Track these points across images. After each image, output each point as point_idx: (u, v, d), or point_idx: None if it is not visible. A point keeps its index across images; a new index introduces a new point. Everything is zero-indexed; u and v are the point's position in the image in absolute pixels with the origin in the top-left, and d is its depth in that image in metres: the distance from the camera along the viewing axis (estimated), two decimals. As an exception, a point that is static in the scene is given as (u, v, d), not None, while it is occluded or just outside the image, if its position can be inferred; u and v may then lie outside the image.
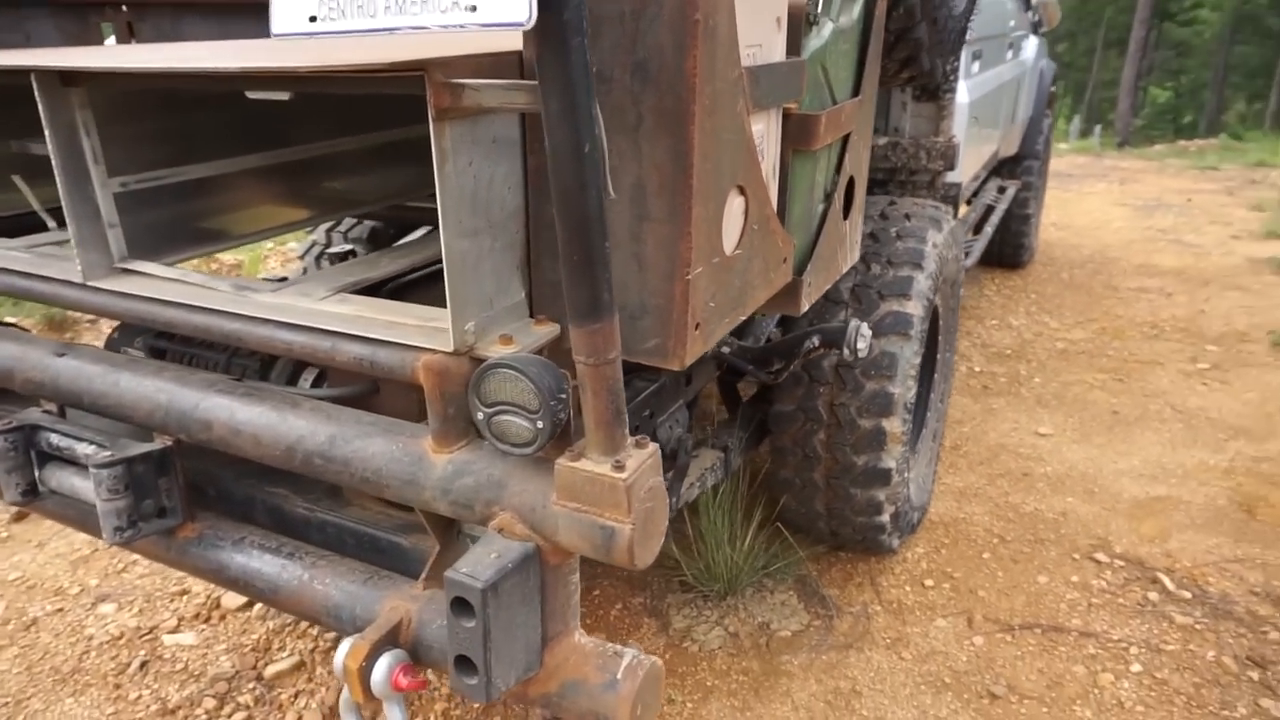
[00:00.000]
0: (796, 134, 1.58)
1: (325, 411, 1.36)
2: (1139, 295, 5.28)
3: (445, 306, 1.21)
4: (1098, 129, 22.45)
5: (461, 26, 0.87)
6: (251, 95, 1.38)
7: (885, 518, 2.51)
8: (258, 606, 2.64)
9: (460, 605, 1.12)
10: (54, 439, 1.60)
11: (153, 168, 1.62)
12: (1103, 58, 34.56)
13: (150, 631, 2.55)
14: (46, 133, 1.45)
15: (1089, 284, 5.56)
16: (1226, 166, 11.00)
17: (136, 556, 2.93)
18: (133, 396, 1.51)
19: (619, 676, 1.21)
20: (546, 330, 1.30)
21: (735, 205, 1.33)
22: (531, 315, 1.34)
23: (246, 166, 1.78)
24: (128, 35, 2.35)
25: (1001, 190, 5.09)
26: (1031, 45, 5.25)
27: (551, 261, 1.30)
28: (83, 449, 1.56)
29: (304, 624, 2.55)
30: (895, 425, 2.38)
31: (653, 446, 1.15)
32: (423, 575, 1.41)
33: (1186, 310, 4.97)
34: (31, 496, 1.65)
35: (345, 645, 1.30)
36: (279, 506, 1.65)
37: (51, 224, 1.96)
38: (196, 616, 2.61)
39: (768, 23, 1.42)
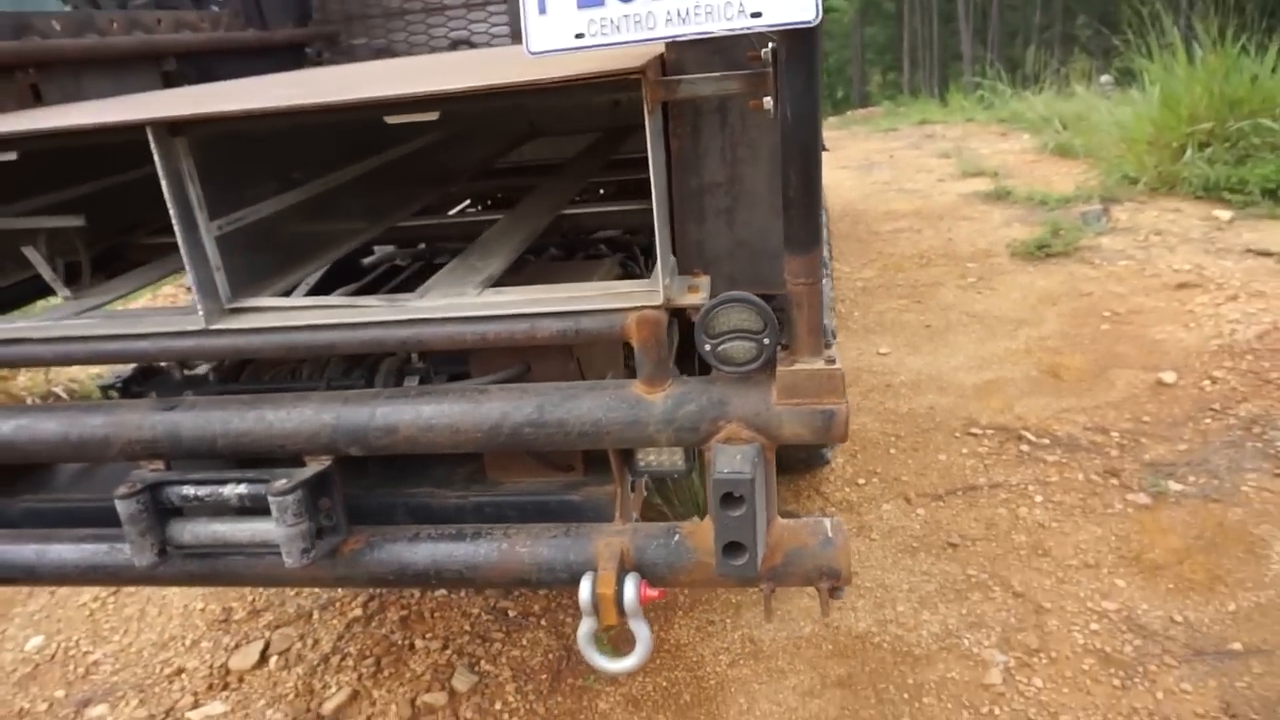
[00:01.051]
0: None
1: (517, 389, 1.53)
2: (897, 235, 6.28)
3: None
4: (778, 111, 25.19)
5: (748, 29, 1.15)
6: (392, 121, 1.49)
7: (827, 433, 2.98)
8: (274, 659, 2.58)
9: (729, 499, 1.38)
10: (187, 490, 1.59)
11: (235, 208, 1.66)
12: (763, 48, 38.82)
13: (168, 714, 2.41)
14: (164, 184, 1.47)
15: (854, 232, 6.50)
16: (901, 126, 12.96)
17: (97, 657, 2.72)
18: (288, 426, 1.56)
19: (830, 535, 1.53)
20: (706, 280, 1.57)
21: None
22: (681, 273, 1.60)
23: (308, 195, 1.84)
24: (33, 98, 2.22)
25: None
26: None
27: (696, 225, 1.58)
28: (232, 490, 1.58)
29: (337, 658, 2.54)
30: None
31: (834, 343, 1.48)
32: (618, 513, 1.63)
33: (937, 240, 6.01)
34: (162, 558, 1.62)
35: (587, 581, 1.49)
36: (424, 504, 1.75)
37: (65, 293, 1.86)
38: (210, 688, 2.50)
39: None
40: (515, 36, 3.62)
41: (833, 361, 1.41)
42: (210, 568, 1.68)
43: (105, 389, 2.16)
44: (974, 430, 3.42)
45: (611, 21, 1.19)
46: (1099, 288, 4.73)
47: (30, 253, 1.83)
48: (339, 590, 2.84)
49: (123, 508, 1.56)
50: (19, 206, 2.05)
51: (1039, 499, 2.93)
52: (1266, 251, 4.88)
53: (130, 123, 1.42)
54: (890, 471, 3.23)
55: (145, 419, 1.61)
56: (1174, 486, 2.87)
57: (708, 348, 1.42)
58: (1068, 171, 7.56)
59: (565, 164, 2.86)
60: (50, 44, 2.21)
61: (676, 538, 1.55)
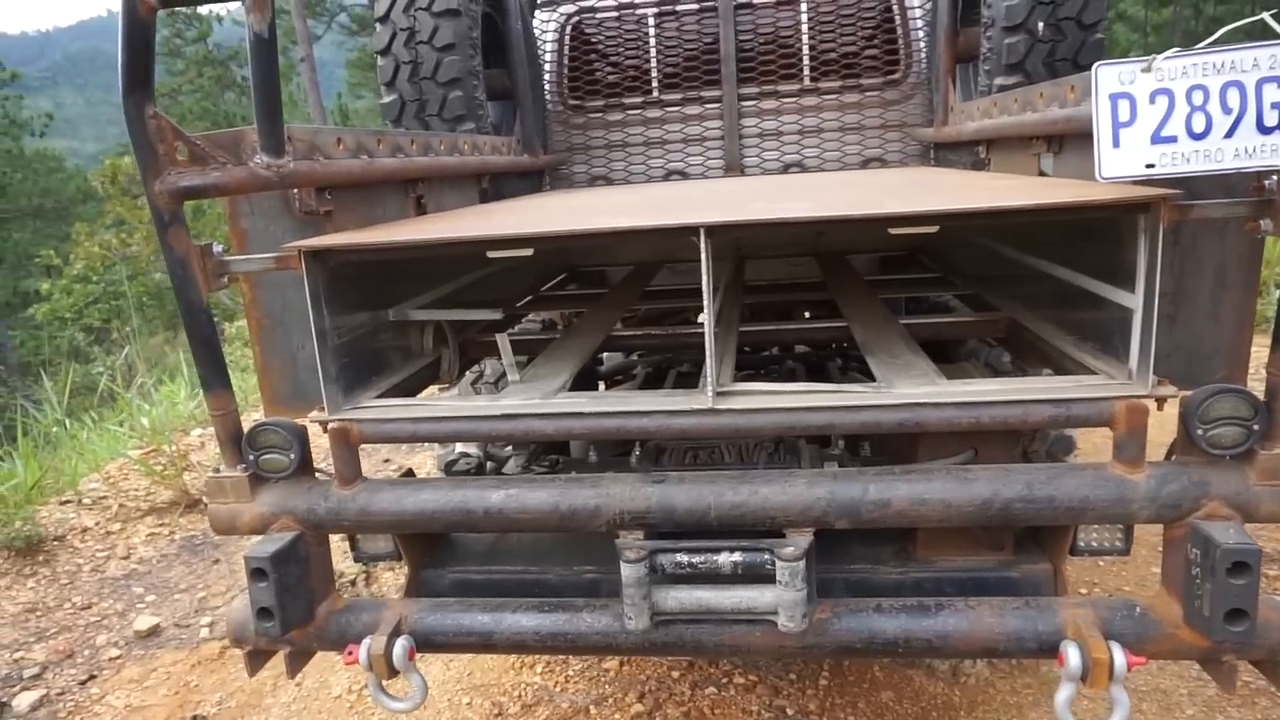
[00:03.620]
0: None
1: (1001, 470, 1.70)
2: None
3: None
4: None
5: (1304, 165, 1.40)
6: (895, 232, 1.73)
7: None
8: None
9: (1238, 567, 1.53)
10: (681, 558, 1.73)
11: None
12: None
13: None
14: (705, 279, 1.68)
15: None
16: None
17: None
18: (782, 500, 1.72)
19: (1291, 610, 1.67)
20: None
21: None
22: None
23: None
24: (416, 208, 2.48)
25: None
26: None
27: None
28: (727, 557, 1.72)
29: (643, 752, 2.58)
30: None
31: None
32: (1064, 590, 1.79)
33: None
34: (653, 623, 1.74)
35: (1075, 649, 1.62)
36: (865, 580, 1.89)
37: (516, 377, 2.04)
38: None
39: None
40: (728, 169, 3.98)
41: (1311, 448, 1.60)
42: (676, 636, 1.79)
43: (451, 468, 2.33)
44: (1178, 544, 3.56)
45: (1183, 155, 1.45)
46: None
47: (501, 340, 2.03)
48: (794, 660, 2.82)
49: (629, 572, 1.70)
50: (408, 304, 2.27)
51: (1278, 608, 3.04)
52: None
53: (689, 225, 1.65)
54: (1109, 583, 3.35)
55: (639, 491, 1.76)
56: None
57: (1200, 432, 1.61)
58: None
59: (826, 283, 3.12)
60: (438, 161, 2.49)
61: (1138, 610, 1.69)
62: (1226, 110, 1.43)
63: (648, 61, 4.01)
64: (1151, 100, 1.46)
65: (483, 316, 2.21)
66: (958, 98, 3.28)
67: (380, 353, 2.16)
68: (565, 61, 4.04)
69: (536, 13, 4.02)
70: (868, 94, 3.84)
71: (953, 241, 3.09)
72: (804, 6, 3.84)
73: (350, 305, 1.99)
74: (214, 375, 1.84)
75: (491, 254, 1.85)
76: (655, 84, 4.01)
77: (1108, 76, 1.48)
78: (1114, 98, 1.48)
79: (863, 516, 1.70)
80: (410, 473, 2.10)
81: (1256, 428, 1.60)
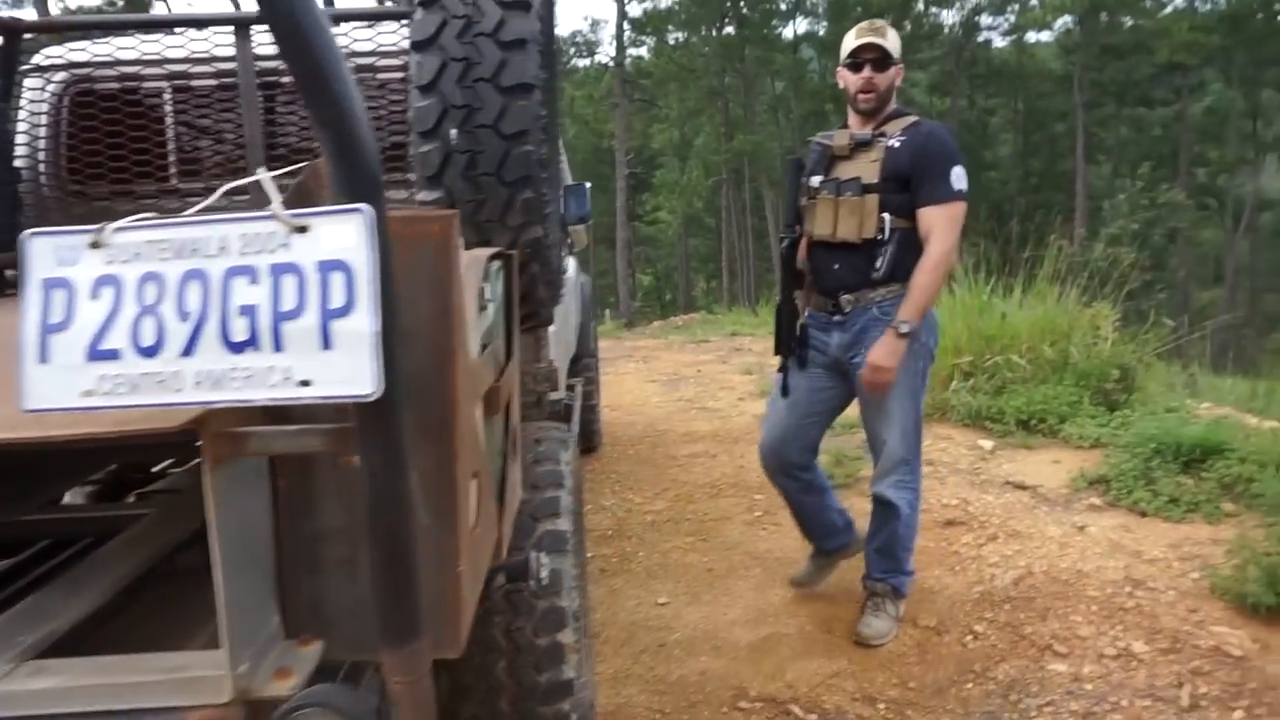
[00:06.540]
0: (489, 407, 1.77)
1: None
2: (692, 460, 6.26)
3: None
4: (606, 313, 26.20)
5: (297, 399, 0.93)
6: None
7: (573, 727, 2.64)
8: None
9: None
10: None
11: None
12: (595, 253, 41.28)
13: None
14: None
15: (652, 457, 6.44)
16: (713, 338, 13.56)
17: None
18: None
19: None
20: (314, 649, 1.26)
21: (473, 491, 1.46)
22: (288, 637, 1.29)
23: None
24: None
25: (571, 388, 5.76)
26: (571, 264, 6.16)
27: (310, 577, 1.29)
28: None
29: None
30: (569, 637, 2.56)
31: None
32: None
33: (730, 467, 6.01)
34: None
35: None
36: None
37: None
38: None
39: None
40: None
41: (449, 773, 1.12)
42: None
43: None
44: (742, 704, 3.17)
45: (128, 380, 0.94)
46: (876, 525, 4.76)
47: None
48: None
49: None
50: None
51: (802, 795, 2.67)
52: (1023, 485, 5.15)
53: None
54: None
55: None
56: (936, 776, 2.70)
57: (281, 757, 1.10)
58: (855, 394, 7.96)
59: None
60: None
61: None
62: (184, 315, 0.94)
63: (164, 144, 3.38)
64: (95, 293, 0.96)
65: None
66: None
67: None
68: (62, 140, 3.35)
69: (27, 80, 3.34)
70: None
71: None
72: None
73: None
74: None
75: None
76: (173, 170, 3.39)
77: (43, 252, 0.97)
78: (49, 285, 0.97)
79: None
80: None
81: (357, 753, 1.10)
